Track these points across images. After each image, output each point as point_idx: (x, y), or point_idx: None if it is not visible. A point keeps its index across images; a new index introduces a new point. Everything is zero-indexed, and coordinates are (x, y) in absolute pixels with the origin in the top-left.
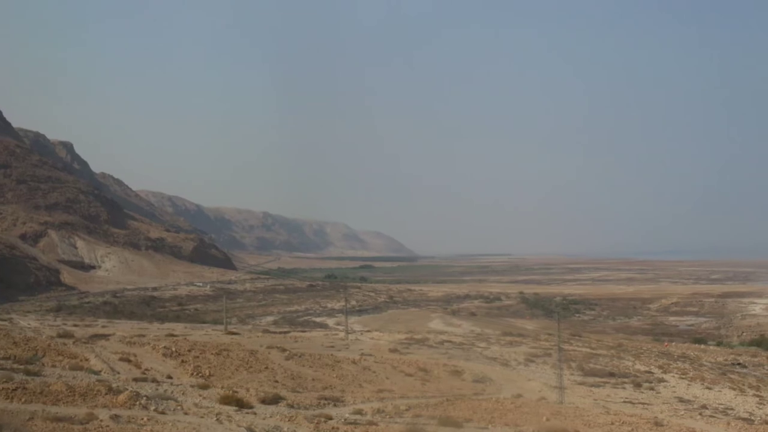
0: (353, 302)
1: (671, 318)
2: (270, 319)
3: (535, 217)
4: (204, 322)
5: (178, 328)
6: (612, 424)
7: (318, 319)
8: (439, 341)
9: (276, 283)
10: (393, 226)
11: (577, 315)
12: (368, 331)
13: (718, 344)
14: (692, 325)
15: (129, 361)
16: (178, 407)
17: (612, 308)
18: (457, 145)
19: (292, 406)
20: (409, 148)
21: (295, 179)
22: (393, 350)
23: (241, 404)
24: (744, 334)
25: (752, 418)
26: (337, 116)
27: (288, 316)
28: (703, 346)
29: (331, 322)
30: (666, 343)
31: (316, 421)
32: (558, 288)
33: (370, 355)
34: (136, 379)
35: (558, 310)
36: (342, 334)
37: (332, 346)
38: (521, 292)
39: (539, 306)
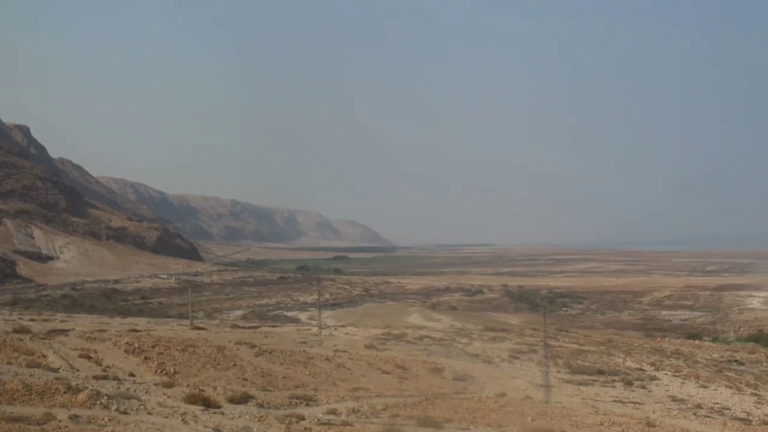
0: (327, 295)
1: (664, 312)
2: (239, 313)
3: (520, 206)
4: (169, 317)
5: (141, 322)
6: (601, 424)
7: (289, 314)
8: (418, 337)
9: (245, 275)
10: (369, 214)
11: (564, 309)
12: (343, 326)
13: (714, 340)
14: (686, 319)
15: (89, 357)
16: (141, 407)
17: (601, 302)
18: (438, 129)
19: (262, 406)
20: (388, 133)
21: (266, 165)
22: (369, 346)
23: (207, 403)
24: (741, 329)
25: (750, 418)
26: (311, 98)
27: (258, 310)
28: (697, 342)
29: (303, 316)
30: (658, 339)
31: (287, 422)
32: (544, 280)
33: (345, 351)
34: (96, 377)
35: (544, 304)
36: (315, 330)
37: (305, 342)
38: (505, 285)
39: (524, 299)
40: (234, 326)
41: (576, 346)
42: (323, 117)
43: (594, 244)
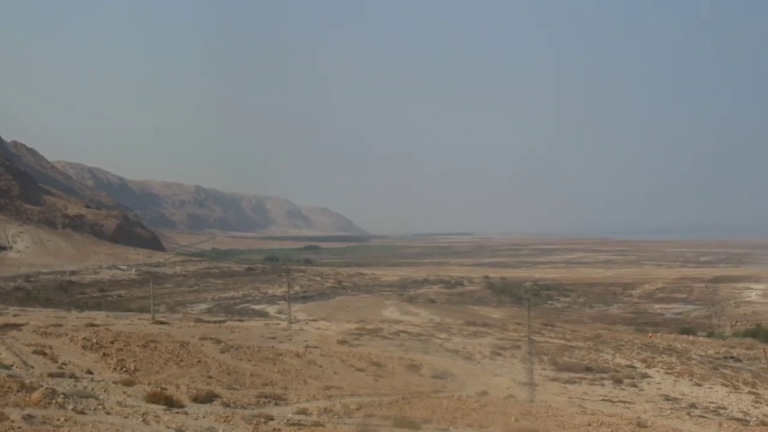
0: (297, 288)
1: (656, 305)
2: (203, 306)
3: (503, 192)
4: (129, 310)
5: (100, 316)
6: (589, 425)
7: (257, 307)
8: (394, 332)
9: (210, 266)
10: (342, 202)
11: (550, 302)
12: (314, 320)
13: (709, 335)
14: (680, 313)
15: (44, 354)
16: (100, 406)
17: (589, 294)
18: (416, 112)
19: (228, 405)
20: (363, 115)
21: (232, 149)
22: (342, 342)
23: (170, 403)
24: (738, 323)
25: (747, 418)
26: (281, 78)
27: (224, 303)
28: (692, 338)
29: (272, 310)
30: (650, 334)
31: (255, 422)
32: (528, 271)
33: (316, 347)
34: (52, 375)
35: (528, 297)
36: (284, 324)
37: (273, 338)
38: (486, 277)
39: (507, 292)
40: (198, 320)
41: (562, 341)
42: (294, 98)
43: (582, 233)
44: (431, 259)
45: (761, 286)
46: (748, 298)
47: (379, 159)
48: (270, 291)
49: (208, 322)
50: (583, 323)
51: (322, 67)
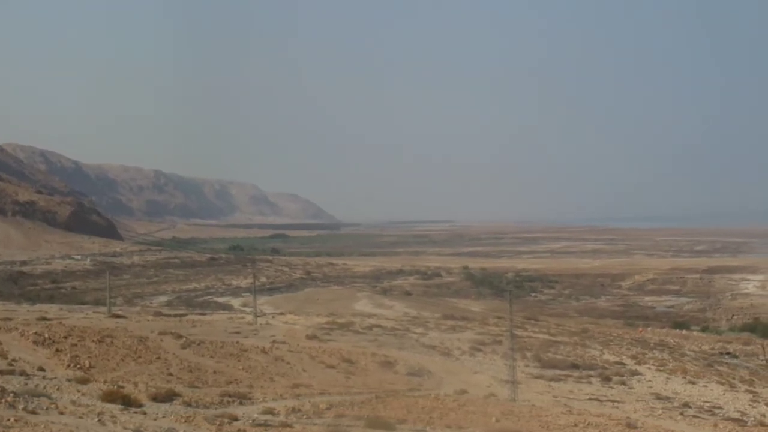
0: (263, 279)
1: (647, 298)
2: (163, 299)
3: (483, 177)
4: (83, 303)
5: (53, 310)
6: (575, 425)
7: (221, 300)
8: (367, 326)
9: (170, 255)
10: (311, 187)
11: (534, 294)
12: (281, 313)
13: (704, 330)
14: (672, 306)
15: None
16: (52, 405)
17: (575, 286)
18: (390, 94)
19: (189, 405)
20: (333, 97)
21: (194, 131)
22: (311, 337)
23: (127, 402)
24: (735, 317)
25: (744, 418)
26: (248, 58)
27: (185, 295)
28: (685, 332)
29: (236, 303)
30: (640, 329)
31: (218, 423)
32: (510, 261)
33: (284, 342)
34: (1, 372)
35: (510, 289)
36: (250, 318)
37: (238, 332)
38: (465, 267)
39: (487, 283)
40: (158, 314)
41: (547, 336)
42: (261, 79)
43: (569, 221)
44: (406, 249)
45: (759, 277)
46: (745, 290)
47: (352, 143)
48: (234, 282)
49: (168, 315)
50: (569, 317)
51: (293, 47)
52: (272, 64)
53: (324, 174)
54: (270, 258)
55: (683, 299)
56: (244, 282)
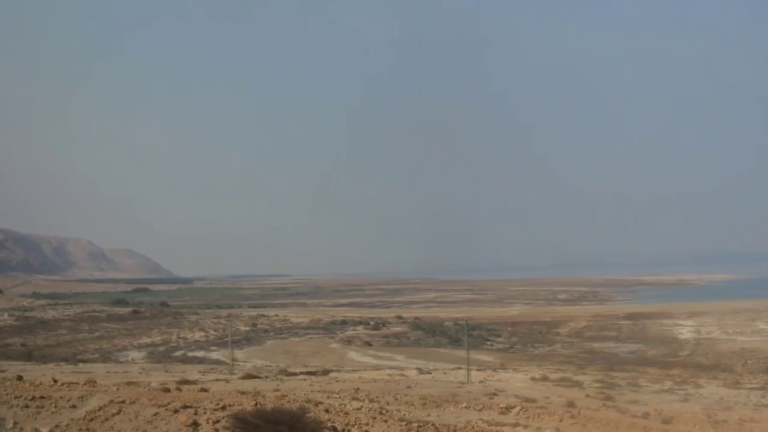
0: (212, 332)
1: (595, 344)
2: (136, 354)
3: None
4: (62, 360)
5: (98, 370)
6: None
7: (198, 354)
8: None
9: (87, 309)
10: (145, 242)
11: (488, 342)
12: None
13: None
14: (633, 351)
15: None
16: None
17: (518, 334)
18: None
19: None
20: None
21: (26, 184)
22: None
23: None
24: (750, 361)
25: None
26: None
27: (155, 350)
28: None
29: (218, 356)
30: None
31: None
32: (411, 311)
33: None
34: None
35: (467, 336)
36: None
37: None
38: (399, 317)
39: (439, 332)
40: (249, 376)
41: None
42: (73, 131)
43: (384, 274)
44: (287, 301)
45: (688, 322)
46: (681, 335)
47: (176, 193)
48: (189, 336)
49: (257, 377)
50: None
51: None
52: (86, 114)
53: (156, 228)
54: (198, 311)
55: (634, 345)
56: (197, 335)
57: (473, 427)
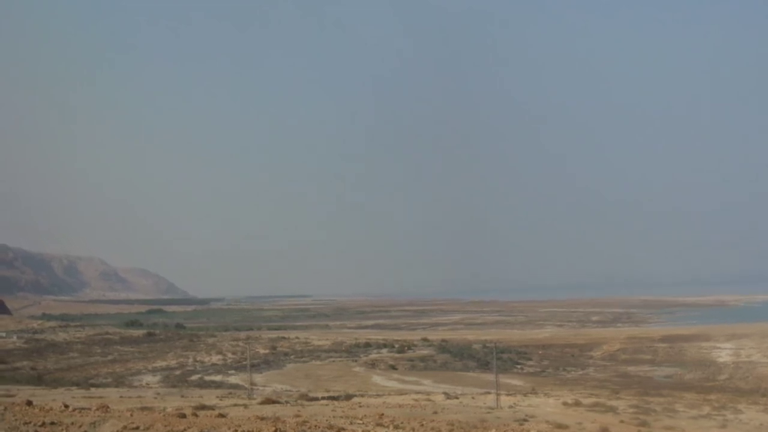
0: (230, 355)
1: (629, 368)
2: (151, 378)
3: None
4: (74, 384)
5: (112, 395)
6: None
7: (216, 378)
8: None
9: (99, 332)
10: (161, 263)
11: (519, 366)
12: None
13: None
14: (670, 376)
15: None
16: None
17: (549, 358)
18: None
19: None
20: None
21: (37, 200)
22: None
23: None
24: None
25: None
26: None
27: (171, 374)
28: None
29: (235, 380)
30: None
31: None
32: (437, 333)
33: None
34: None
35: (496, 360)
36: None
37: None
38: (425, 339)
39: (467, 356)
40: (269, 400)
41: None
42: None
43: (413, 295)
44: (308, 322)
45: (727, 345)
46: (720, 359)
47: (192, 210)
48: (206, 359)
49: (276, 402)
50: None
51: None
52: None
53: (171, 248)
54: (215, 334)
55: (670, 369)
56: (214, 358)
57: None
